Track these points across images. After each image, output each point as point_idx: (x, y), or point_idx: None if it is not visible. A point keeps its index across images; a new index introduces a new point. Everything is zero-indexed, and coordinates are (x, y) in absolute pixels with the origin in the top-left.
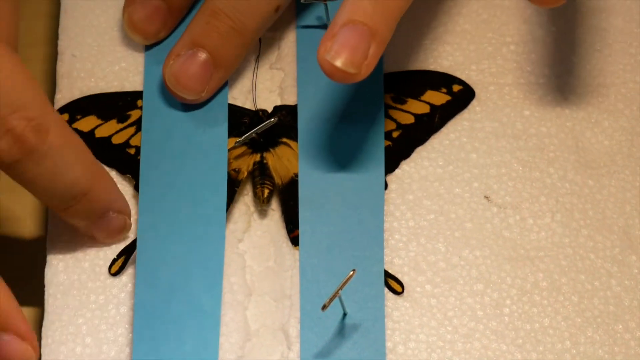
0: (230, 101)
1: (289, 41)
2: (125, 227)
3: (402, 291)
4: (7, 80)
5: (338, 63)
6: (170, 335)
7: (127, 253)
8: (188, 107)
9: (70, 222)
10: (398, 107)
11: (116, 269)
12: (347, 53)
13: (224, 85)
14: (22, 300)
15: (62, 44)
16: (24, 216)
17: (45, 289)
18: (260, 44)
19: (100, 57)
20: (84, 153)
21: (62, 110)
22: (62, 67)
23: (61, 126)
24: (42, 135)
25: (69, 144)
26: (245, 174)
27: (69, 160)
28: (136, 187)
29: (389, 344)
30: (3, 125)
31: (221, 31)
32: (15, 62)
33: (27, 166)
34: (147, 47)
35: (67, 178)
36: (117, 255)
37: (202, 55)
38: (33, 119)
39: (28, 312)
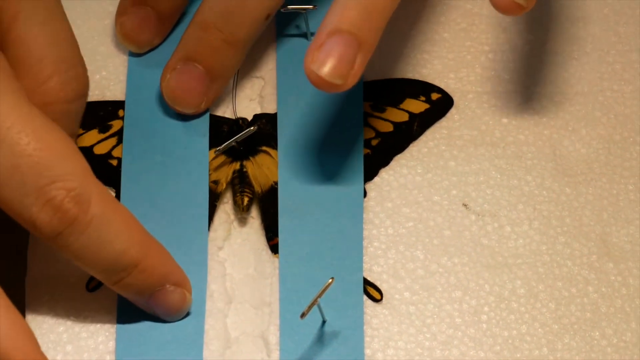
0: (210, 110)
1: (269, 49)
2: (185, 302)
3: (381, 298)
4: (46, 150)
5: (324, 74)
6: (153, 343)
7: None
8: (170, 118)
9: (125, 297)
10: (377, 115)
11: (94, 284)
12: (333, 63)
13: None
14: None
15: None
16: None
17: (26, 298)
18: None
19: None
20: (131, 222)
21: None
22: None
23: (103, 195)
24: (83, 205)
25: (113, 214)
26: (224, 185)
27: (115, 230)
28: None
29: (367, 351)
30: (43, 196)
31: (214, 45)
32: (55, 130)
33: (71, 238)
34: (130, 57)
35: (114, 249)
36: None
37: (198, 69)
38: (73, 189)
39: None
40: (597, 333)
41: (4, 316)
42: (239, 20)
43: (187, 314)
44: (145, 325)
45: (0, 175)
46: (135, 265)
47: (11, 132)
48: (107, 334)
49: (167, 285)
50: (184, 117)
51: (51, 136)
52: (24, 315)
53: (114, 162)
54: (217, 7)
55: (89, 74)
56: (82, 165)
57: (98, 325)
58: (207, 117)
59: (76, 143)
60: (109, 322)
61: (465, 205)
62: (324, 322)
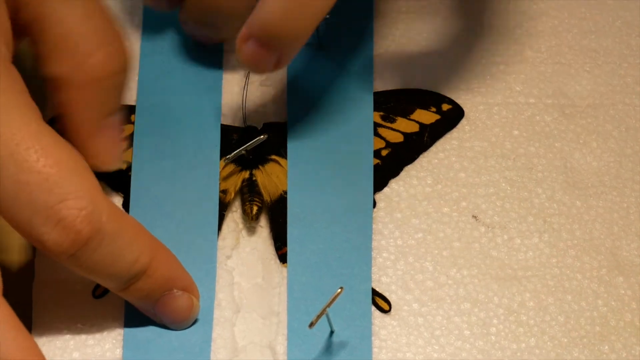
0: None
1: None
2: (192, 308)
3: (390, 309)
4: (55, 166)
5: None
6: (160, 351)
7: None
8: (180, 126)
9: (132, 303)
10: (387, 125)
11: (100, 292)
12: (252, 65)
13: (217, 103)
14: None
15: None
16: (11, 230)
17: (33, 304)
18: None
19: None
20: (139, 229)
21: (52, 121)
22: None
23: (113, 210)
24: (95, 224)
25: (124, 227)
26: (233, 195)
27: (125, 242)
28: (124, 205)
29: None
30: (53, 215)
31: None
32: (64, 146)
33: (84, 256)
34: (141, 62)
35: (126, 260)
36: None
37: None
38: (84, 208)
39: None
40: (607, 347)
41: (13, 338)
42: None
43: (195, 322)
44: (153, 333)
45: (7, 192)
46: (144, 271)
47: (20, 148)
48: (114, 341)
49: (174, 290)
50: (195, 125)
51: (61, 152)
52: (30, 321)
53: (124, 166)
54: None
55: None
56: (91, 182)
57: (105, 333)
58: (218, 126)
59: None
60: (116, 329)
61: (475, 217)
62: (332, 332)
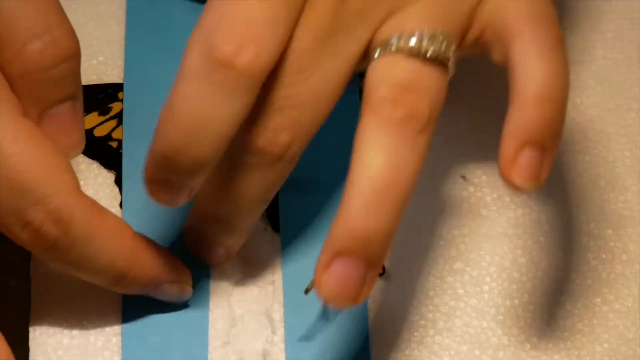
0: None
1: None
2: (184, 294)
3: (384, 272)
4: (31, 171)
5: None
6: (159, 324)
7: None
8: None
9: None
10: None
11: None
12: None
13: None
14: (8, 297)
15: None
16: None
17: (31, 297)
18: None
19: None
20: (117, 233)
21: None
22: None
23: (86, 212)
24: (63, 226)
25: (95, 232)
26: None
27: (98, 246)
28: (116, 181)
29: (371, 324)
30: (21, 218)
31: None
32: (43, 145)
33: (55, 255)
34: (127, 41)
35: (99, 264)
36: None
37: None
38: (53, 212)
39: (15, 306)
40: (599, 299)
41: None
42: (238, 214)
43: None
44: (151, 307)
45: None
46: (124, 275)
47: None
48: (114, 315)
49: (164, 284)
50: None
51: (38, 153)
52: (28, 314)
53: (114, 144)
54: (216, 196)
55: (86, 58)
56: (67, 182)
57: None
58: None
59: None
60: (115, 304)
61: (463, 177)
62: None
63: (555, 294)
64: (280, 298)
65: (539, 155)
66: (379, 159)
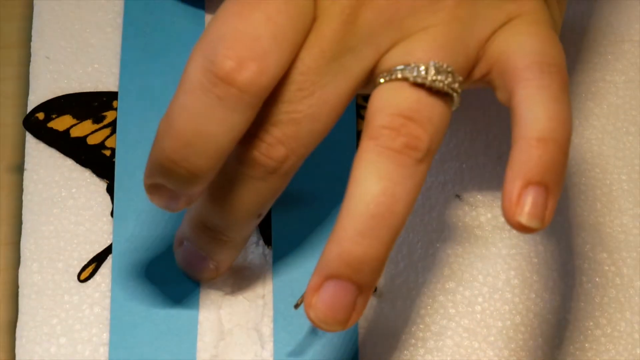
0: None
1: None
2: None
3: (376, 290)
4: None
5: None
6: (147, 335)
7: (98, 261)
8: (163, 111)
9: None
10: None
11: (86, 275)
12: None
13: None
14: None
15: (35, 45)
16: None
17: (20, 289)
18: None
19: (73, 59)
20: None
21: (37, 109)
22: (35, 69)
23: None
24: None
25: None
26: None
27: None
28: (108, 190)
29: (361, 342)
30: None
31: (212, 242)
32: None
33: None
34: (123, 49)
35: None
36: (88, 262)
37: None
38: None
39: (2, 312)
40: (591, 323)
41: None
42: (227, 224)
43: (180, 305)
44: (139, 317)
45: None
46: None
47: None
48: (100, 325)
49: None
50: None
51: None
52: (17, 307)
53: (107, 153)
54: (210, 206)
55: (81, 66)
56: None
57: (92, 317)
58: None
59: None
60: (103, 313)
61: (458, 196)
62: None
63: (548, 316)
64: (270, 312)
65: (543, 195)
66: (376, 186)
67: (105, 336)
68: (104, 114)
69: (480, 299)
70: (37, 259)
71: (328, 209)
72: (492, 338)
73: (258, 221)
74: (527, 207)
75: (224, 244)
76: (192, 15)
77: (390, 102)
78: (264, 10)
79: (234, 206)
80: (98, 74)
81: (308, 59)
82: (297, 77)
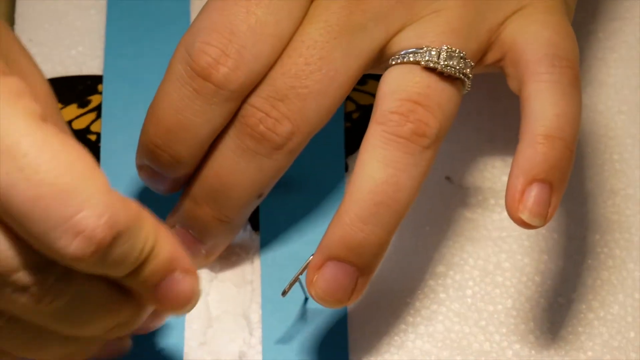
0: None
1: None
2: (195, 293)
3: None
4: (66, 176)
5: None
6: None
7: None
8: (149, 95)
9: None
10: (358, 87)
11: None
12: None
13: None
14: None
15: (18, 28)
16: None
17: None
18: None
19: (57, 42)
20: (145, 213)
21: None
22: None
23: (125, 205)
24: (115, 227)
25: (136, 218)
26: None
27: (139, 232)
28: None
29: (350, 327)
30: (72, 228)
31: (205, 221)
32: (72, 148)
33: (104, 259)
34: (107, 32)
35: (138, 248)
36: None
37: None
38: (102, 214)
39: None
40: (584, 306)
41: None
42: (228, 202)
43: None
44: None
45: (20, 208)
46: (150, 252)
47: (28, 159)
48: None
49: (176, 273)
50: None
51: (70, 156)
52: None
53: (93, 137)
54: (206, 184)
55: (65, 49)
56: (102, 181)
57: None
58: None
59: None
60: None
61: (448, 178)
62: (306, 299)
63: (540, 300)
64: (259, 298)
65: (547, 192)
66: (381, 173)
67: None
68: (89, 98)
69: (470, 283)
70: None
71: (316, 195)
72: (484, 322)
73: (258, 202)
74: (529, 204)
75: (221, 225)
76: (176, 5)
77: (400, 86)
78: (244, 4)
79: (236, 183)
80: (82, 57)
81: (315, 33)
82: (305, 50)
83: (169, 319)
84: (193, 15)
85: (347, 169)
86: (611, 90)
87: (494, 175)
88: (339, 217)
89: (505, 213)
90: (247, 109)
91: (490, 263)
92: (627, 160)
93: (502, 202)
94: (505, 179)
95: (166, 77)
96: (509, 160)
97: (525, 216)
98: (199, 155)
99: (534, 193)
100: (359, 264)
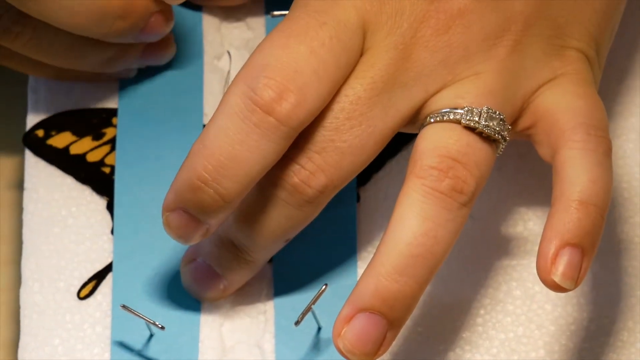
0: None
1: None
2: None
3: None
4: None
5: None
6: (148, 354)
7: (98, 278)
8: (163, 127)
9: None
10: None
11: (86, 293)
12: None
13: (199, 103)
14: None
15: None
16: None
17: (21, 309)
18: (231, 60)
19: None
20: None
21: (37, 126)
22: (34, 86)
23: None
24: None
25: None
26: None
27: None
28: (108, 207)
29: None
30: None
31: (231, 260)
32: None
33: None
34: None
35: None
36: (88, 280)
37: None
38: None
39: (3, 331)
40: (596, 333)
41: None
42: (255, 246)
43: (182, 323)
44: (140, 336)
45: None
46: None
47: None
48: (102, 345)
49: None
50: (178, 126)
51: None
52: (18, 327)
53: (107, 170)
54: (234, 227)
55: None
56: None
57: (93, 337)
58: (200, 126)
59: None
60: (104, 333)
61: None
62: (319, 328)
63: (550, 327)
64: (272, 328)
65: (578, 257)
66: (420, 226)
67: (107, 355)
68: (104, 130)
69: (482, 311)
70: (37, 279)
71: (328, 225)
72: (495, 350)
73: (284, 245)
74: (561, 268)
75: (245, 263)
76: (190, 29)
77: (440, 142)
78: (309, 44)
79: (265, 229)
80: (97, 90)
81: (360, 88)
82: (348, 105)
83: (182, 353)
84: (205, 49)
85: (359, 199)
86: (619, 118)
87: (505, 205)
88: (373, 268)
89: (516, 241)
90: (281, 159)
91: (500, 291)
92: (635, 188)
93: (512, 230)
94: (515, 208)
95: (221, 111)
96: (516, 189)
97: (557, 278)
98: (243, 195)
99: (566, 257)
100: (390, 316)
